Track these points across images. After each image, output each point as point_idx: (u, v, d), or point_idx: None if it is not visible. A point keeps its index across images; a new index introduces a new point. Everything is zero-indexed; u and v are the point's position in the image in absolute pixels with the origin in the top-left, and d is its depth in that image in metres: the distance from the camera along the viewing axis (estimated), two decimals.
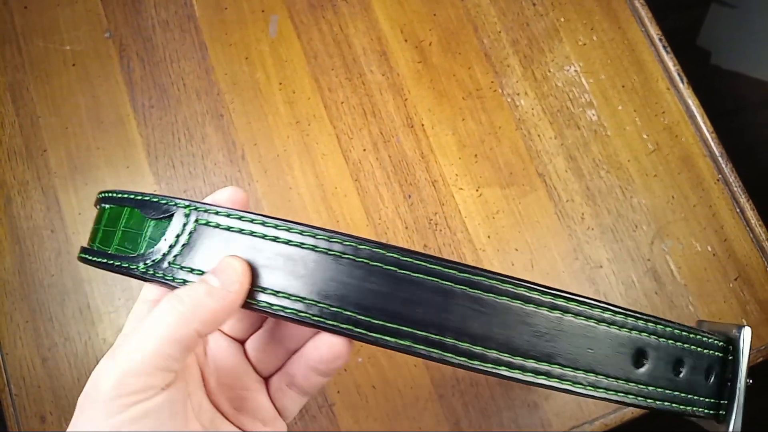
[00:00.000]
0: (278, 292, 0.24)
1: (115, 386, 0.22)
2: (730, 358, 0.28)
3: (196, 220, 0.25)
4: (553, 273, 0.46)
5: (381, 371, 0.45)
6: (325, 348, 0.25)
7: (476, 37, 0.51)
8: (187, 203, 0.26)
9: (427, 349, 0.23)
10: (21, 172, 0.49)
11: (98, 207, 0.29)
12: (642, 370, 0.25)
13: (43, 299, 0.46)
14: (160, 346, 0.23)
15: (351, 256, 0.24)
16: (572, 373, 0.24)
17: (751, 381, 0.28)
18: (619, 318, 0.25)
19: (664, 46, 0.49)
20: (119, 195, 0.28)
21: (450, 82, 0.50)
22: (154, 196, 0.27)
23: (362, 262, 0.24)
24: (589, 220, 0.47)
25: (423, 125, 0.49)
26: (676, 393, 0.26)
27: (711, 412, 0.28)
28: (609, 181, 0.48)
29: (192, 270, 0.25)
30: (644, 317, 0.25)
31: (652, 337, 0.25)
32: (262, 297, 0.24)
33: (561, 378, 0.24)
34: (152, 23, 0.51)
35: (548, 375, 0.24)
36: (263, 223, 0.25)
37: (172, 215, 0.26)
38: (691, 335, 0.27)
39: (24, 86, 0.50)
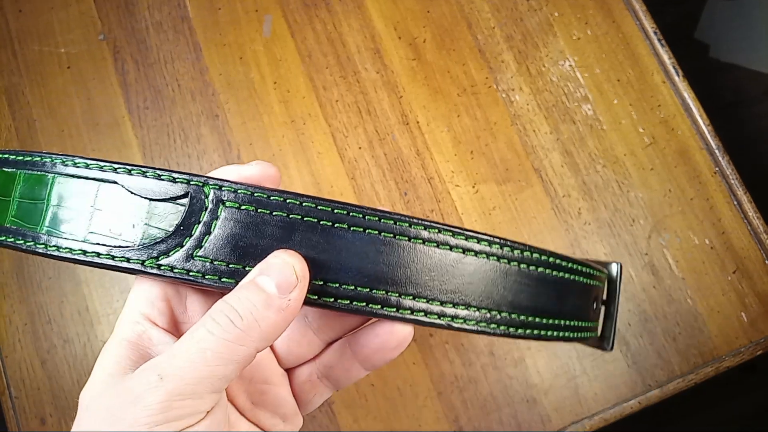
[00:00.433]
0: (339, 282, 0.22)
1: (163, 409, 0.19)
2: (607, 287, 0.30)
3: (222, 202, 0.21)
4: None
5: (380, 369, 0.45)
6: (387, 335, 0.23)
7: (470, 33, 0.50)
8: (210, 182, 0.21)
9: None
10: None
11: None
12: (529, 300, 0.24)
13: (41, 301, 0.46)
14: (215, 367, 0.20)
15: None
16: (440, 308, 0.22)
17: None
18: (505, 251, 0.23)
19: (659, 40, 0.49)
20: (91, 164, 0.22)
21: (444, 79, 0.50)
22: (159, 170, 0.22)
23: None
24: (585, 215, 0.47)
25: (418, 122, 0.49)
26: (567, 321, 0.26)
27: (596, 334, 0.28)
28: (605, 176, 0.48)
29: (228, 264, 0.21)
30: (524, 247, 0.24)
31: (531, 267, 0.24)
32: (325, 290, 0.21)
33: (441, 315, 0.22)
34: (146, 25, 0.51)
35: (427, 312, 0.22)
36: (316, 206, 0.21)
37: (187, 195, 0.21)
38: (578, 266, 0.26)
39: (20, 90, 0.50)
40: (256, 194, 0.21)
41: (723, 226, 0.46)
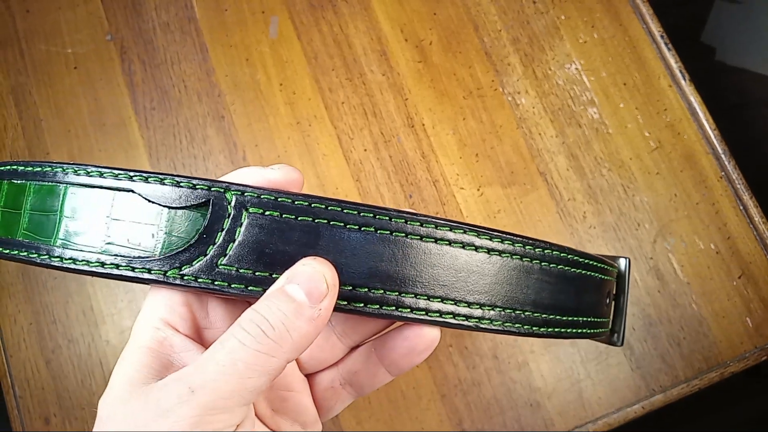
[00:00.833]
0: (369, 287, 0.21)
1: (194, 423, 0.19)
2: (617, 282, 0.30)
3: (246, 209, 0.21)
4: None
5: None
6: (415, 338, 0.23)
7: (477, 36, 0.50)
8: (231, 187, 0.21)
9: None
10: None
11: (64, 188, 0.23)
12: (550, 298, 0.24)
13: (46, 301, 0.46)
14: (246, 380, 0.19)
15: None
16: (469, 310, 0.22)
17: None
18: (527, 249, 0.23)
19: (665, 43, 0.49)
20: (105, 173, 0.22)
21: (450, 82, 0.50)
22: (178, 177, 0.21)
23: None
24: (590, 219, 0.47)
25: (424, 125, 0.49)
26: (584, 318, 0.26)
27: (608, 330, 0.28)
28: (611, 180, 0.47)
29: (254, 272, 0.21)
30: (545, 245, 0.24)
31: (552, 264, 0.24)
32: (354, 295, 0.21)
33: (468, 317, 0.22)
34: (153, 25, 0.51)
35: (455, 314, 0.22)
36: (342, 210, 0.21)
37: (209, 202, 0.21)
38: (593, 262, 0.26)
39: (26, 90, 0.50)
40: (280, 199, 0.21)
41: (728, 230, 0.46)
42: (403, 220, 0.21)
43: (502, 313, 0.23)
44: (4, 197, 0.23)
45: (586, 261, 0.25)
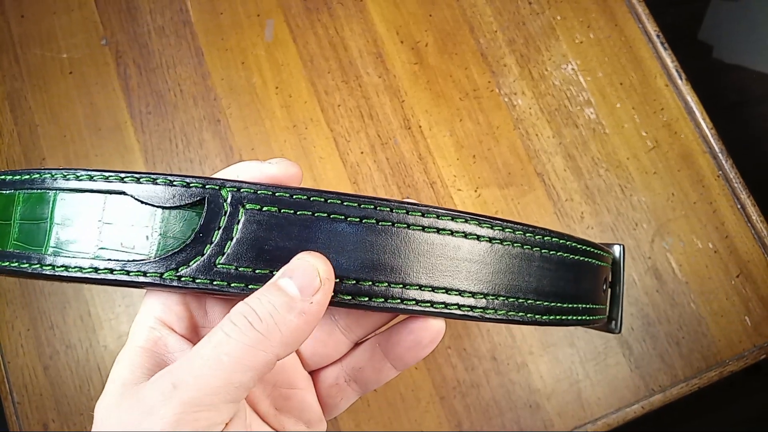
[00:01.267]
0: (375, 280, 0.21)
1: (177, 421, 0.18)
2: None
3: (243, 205, 0.20)
4: None
5: None
6: (420, 331, 0.22)
7: (472, 37, 0.50)
8: (227, 184, 0.20)
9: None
10: None
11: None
12: (550, 286, 0.24)
13: (44, 307, 0.46)
14: (232, 374, 0.18)
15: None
16: (473, 300, 0.22)
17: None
18: (517, 234, 0.23)
19: (662, 42, 0.49)
20: (95, 176, 0.21)
21: (447, 83, 0.49)
22: (171, 176, 0.21)
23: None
24: (588, 219, 0.47)
25: (420, 126, 0.49)
26: (583, 305, 0.25)
27: (606, 317, 0.28)
28: (608, 180, 0.47)
29: (254, 269, 0.20)
30: (544, 232, 0.24)
31: (551, 251, 0.24)
32: (358, 289, 0.21)
33: (473, 307, 0.22)
34: (148, 29, 0.51)
35: (460, 305, 0.22)
36: (341, 202, 0.20)
37: (204, 200, 0.20)
38: (590, 249, 0.26)
39: (22, 95, 0.50)
40: (277, 194, 0.20)
41: (726, 229, 0.46)
42: (404, 211, 0.21)
43: (506, 301, 0.22)
44: None
45: (584, 247, 0.25)
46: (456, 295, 0.22)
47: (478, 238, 0.22)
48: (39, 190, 0.21)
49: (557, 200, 0.47)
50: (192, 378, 0.18)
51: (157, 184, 0.20)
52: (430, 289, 0.21)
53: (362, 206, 0.21)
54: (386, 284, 0.21)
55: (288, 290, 0.19)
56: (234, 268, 0.20)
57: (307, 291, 0.19)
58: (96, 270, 0.20)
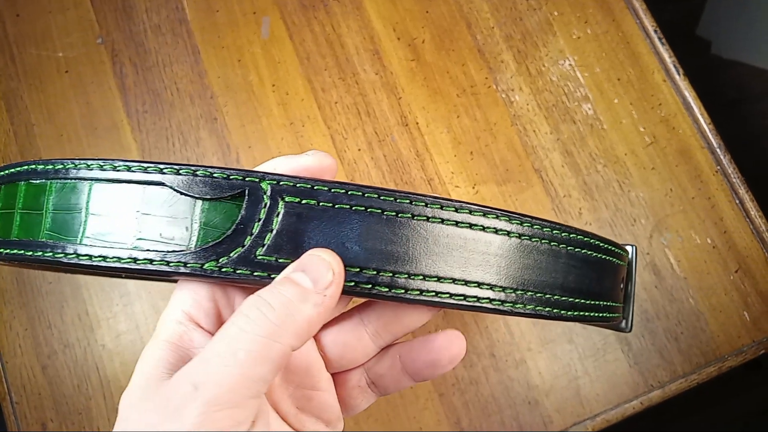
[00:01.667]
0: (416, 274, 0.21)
1: (202, 423, 0.18)
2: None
3: (282, 197, 0.20)
4: None
5: None
6: (441, 351, 0.23)
7: (469, 33, 0.50)
8: (267, 177, 0.20)
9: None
10: None
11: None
12: (575, 282, 0.24)
13: (41, 306, 0.46)
14: (249, 369, 0.18)
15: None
16: (504, 294, 0.22)
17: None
18: (545, 231, 0.23)
19: (659, 38, 0.49)
20: (133, 167, 0.21)
21: (444, 80, 0.49)
22: (211, 168, 0.21)
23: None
24: (586, 215, 0.47)
25: (417, 123, 0.49)
26: (604, 302, 0.26)
27: (621, 315, 0.28)
28: (606, 176, 0.47)
29: (293, 261, 0.20)
30: (570, 229, 0.24)
31: (577, 249, 0.24)
32: (394, 282, 0.21)
33: (503, 301, 0.22)
34: (144, 28, 0.51)
35: (492, 299, 0.22)
36: (378, 196, 0.21)
37: (244, 192, 0.20)
38: (612, 247, 0.26)
39: (18, 94, 0.50)
40: (316, 187, 0.21)
41: (725, 225, 0.46)
42: (438, 206, 0.21)
43: (534, 296, 0.23)
44: (22, 199, 0.22)
45: (607, 246, 0.26)
46: (487, 289, 0.22)
47: (509, 234, 0.22)
48: (73, 180, 0.21)
49: (555, 196, 0.47)
50: (211, 376, 0.18)
51: (197, 175, 0.20)
52: (463, 283, 0.22)
53: (398, 201, 0.21)
54: (422, 278, 0.21)
55: (302, 282, 0.20)
56: (274, 259, 0.20)
57: (321, 284, 0.20)
58: (135, 260, 0.20)
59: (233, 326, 0.19)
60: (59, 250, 0.21)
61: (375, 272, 0.21)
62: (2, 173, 0.23)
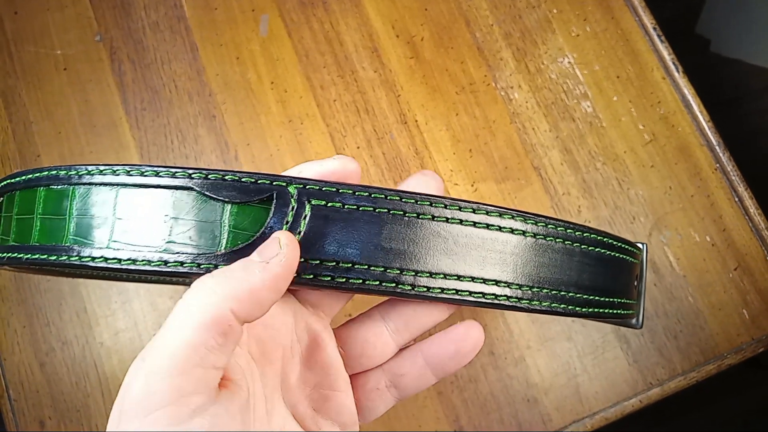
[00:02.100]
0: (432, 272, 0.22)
1: (146, 391, 0.18)
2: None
3: (309, 201, 0.21)
4: None
5: None
6: (462, 341, 0.24)
7: (468, 31, 0.50)
8: (294, 181, 0.21)
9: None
10: None
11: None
12: (590, 280, 0.25)
13: (39, 304, 0.46)
14: (190, 334, 0.19)
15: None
16: (521, 291, 0.23)
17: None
18: (559, 230, 0.24)
19: (658, 35, 0.49)
20: (161, 172, 0.21)
21: (443, 77, 0.49)
22: (240, 173, 0.21)
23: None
24: (586, 213, 0.47)
25: (417, 121, 0.49)
26: (618, 299, 0.26)
27: (634, 312, 0.29)
28: (605, 173, 0.47)
29: (322, 261, 0.21)
30: (584, 228, 0.25)
31: (590, 247, 0.25)
32: (416, 281, 0.22)
33: (521, 298, 0.23)
34: (142, 25, 0.51)
35: (509, 297, 0.23)
36: (400, 198, 0.22)
37: (272, 197, 0.21)
38: (626, 245, 0.27)
39: (16, 92, 0.50)
40: (341, 190, 0.21)
41: (724, 222, 0.46)
42: (456, 207, 0.22)
43: (550, 293, 0.24)
44: (42, 204, 0.22)
45: (620, 244, 0.26)
46: (505, 286, 0.23)
47: (524, 233, 0.23)
48: (98, 186, 0.22)
49: (554, 194, 0.47)
50: (155, 349, 0.19)
51: (225, 180, 0.21)
52: (482, 281, 0.23)
53: (419, 203, 0.22)
54: (442, 276, 0.22)
55: (250, 257, 0.20)
56: (303, 260, 0.21)
57: (265, 255, 0.20)
58: (166, 263, 0.21)
59: (179, 301, 0.20)
60: (86, 254, 0.21)
61: (398, 271, 0.22)
62: (18, 179, 0.23)
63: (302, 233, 0.21)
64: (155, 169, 0.21)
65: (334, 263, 0.21)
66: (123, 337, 0.46)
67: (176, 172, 0.21)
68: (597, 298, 0.25)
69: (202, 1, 0.51)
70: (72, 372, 0.45)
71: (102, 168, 0.22)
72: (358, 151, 0.48)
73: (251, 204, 0.21)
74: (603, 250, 0.25)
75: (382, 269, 0.22)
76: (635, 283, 0.29)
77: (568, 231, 0.24)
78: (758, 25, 0.93)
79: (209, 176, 0.21)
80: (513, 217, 0.23)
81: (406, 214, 0.22)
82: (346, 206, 0.21)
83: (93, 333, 0.46)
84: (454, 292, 0.22)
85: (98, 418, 0.44)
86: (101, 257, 0.21)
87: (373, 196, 0.22)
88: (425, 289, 0.22)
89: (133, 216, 0.21)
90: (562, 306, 0.24)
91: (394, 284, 0.22)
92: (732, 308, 0.45)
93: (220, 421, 0.19)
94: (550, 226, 0.24)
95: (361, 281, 0.22)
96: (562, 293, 0.24)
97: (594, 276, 0.25)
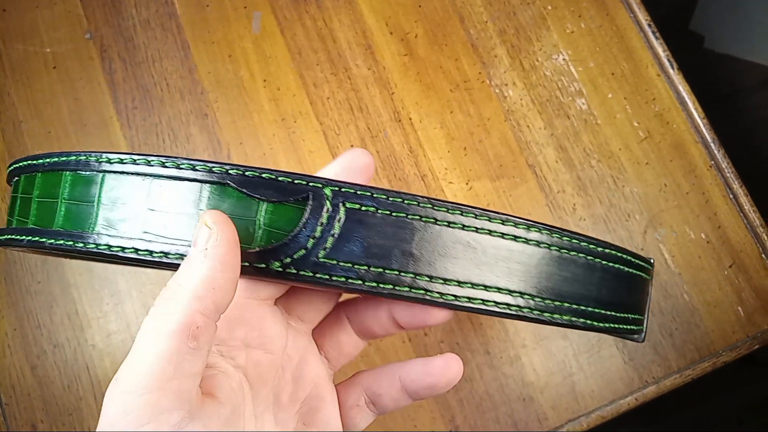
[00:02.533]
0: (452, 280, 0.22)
1: (121, 411, 0.18)
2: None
3: (343, 203, 0.21)
4: None
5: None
6: (438, 376, 0.24)
7: (462, 28, 0.50)
8: (330, 183, 0.21)
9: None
10: (4, 178, 0.48)
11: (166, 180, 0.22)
12: (608, 296, 0.25)
13: (30, 306, 0.46)
14: (158, 346, 0.19)
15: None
16: (544, 304, 0.23)
17: None
18: (582, 245, 0.25)
19: (653, 32, 0.49)
20: (198, 166, 0.21)
21: (437, 75, 0.49)
22: (277, 172, 0.21)
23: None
24: (580, 211, 0.46)
25: (411, 119, 0.48)
26: (632, 315, 0.27)
27: (642, 327, 0.29)
28: (600, 171, 0.47)
29: (353, 264, 0.21)
30: (605, 245, 0.25)
31: (610, 263, 0.25)
32: (447, 290, 0.22)
33: (543, 310, 0.23)
34: (133, 23, 0.50)
35: (527, 308, 0.23)
36: (432, 206, 0.22)
37: (308, 197, 0.21)
38: (641, 262, 0.27)
39: (5, 91, 0.49)
40: (375, 195, 0.22)
41: (719, 220, 0.46)
42: (486, 218, 0.23)
43: (570, 307, 0.24)
44: (68, 189, 0.22)
45: (637, 261, 0.27)
46: (529, 298, 0.23)
47: (549, 247, 0.23)
48: (130, 175, 0.21)
49: (549, 192, 0.47)
50: (127, 367, 0.19)
51: (262, 178, 0.21)
52: (507, 292, 0.23)
53: (450, 211, 0.22)
54: (469, 285, 0.22)
55: (188, 253, 0.20)
56: (335, 262, 0.21)
57: (200, 243, 0.20)
58: None
59: (145, 318, 0.20)
60: (115, 244, 0.21)
61: (428, 279, 0.22)
62: (42, 161, 0.23)
63: (335, 235, 0.21)
64: (191, 162, 0.21)
65: (366, 267, 0.21)
66: (115, 339, 0.45)
67: (213, 167, 0.21)
68: (614, 313, 0.25)
69: None
70: (64, 375, 0.45)
71: (135, 158, 0.21)
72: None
73: (287, 204, 0.21)
74: (621, 267, 0.26)
75: (412, 276, 0.22)
76: (647, 299, 0.29)
77: (591, 246, 0.24)
78: (751, 22, 0.93)
79: (246, 173, 0.21)
80: (539, 231, 0.23)
81: (438, 222, 0.22)
82: (379, 211, 0.22)
83: (85, 335, 0.45)
84: (480, 302, 0.22)
85: (90, 421, 0.44)
86: (132, 248, 0.21)
87: (406, 202, 0.22)
88: (453, 298, 0.22)
89: (166, 208, 0.21)
90: (582, 320, 0.24)
91: (423, 291, 0.22)
92: (727, 305, 0.45)
93: None
94: (574, 240, 0.24)
95: (391, 287, 0.22)
96: (582, 307, 0.24)
97: (612, 291, 0.25)
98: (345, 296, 0.27)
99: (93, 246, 0.21)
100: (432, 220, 0.22)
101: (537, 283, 0.23)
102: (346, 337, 0.27)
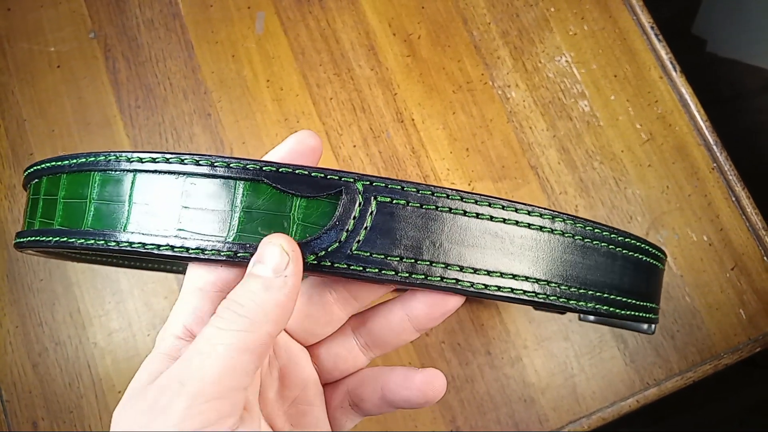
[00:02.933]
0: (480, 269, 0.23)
1: (189, 415, 0.19)
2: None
3: (375, 197, 0.22)
4: None
5: None
6: (419, 391, 0.24)
7: (465, 29, 0.50)
8: (362, 177, 0.22)
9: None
10: (8, 176, 0.48)
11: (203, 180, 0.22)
12: (629, 284, 0.26)
13: (32, 304, 0.46)
14: (230, 360, 0.20)
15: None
16: (569, 292, 0.24)
17: None
18: (604, 234, 0.25)
19: (656, 35, 0.49)
20: (232, 163, 0.21)
21: (440, 76, 0.49)
22: (309, 168, 0.22)
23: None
24: (582, 213, 0.46)
25: (413, 120, 0.48)
26: (650, 303, 0.27)
27: (657, 316, 0.30)
28: (602, 173, 0.47)
29: (386, 256, 0.22)
30: (626, 234, 0.26)
31: (631, 252, 0.26)
32: (474, 279, 0.23)
33: (558, 297, 0.24)
34: (137, 22, 0.50)
35: (554, 296, 0.24)
36: (461, 198, 0.22)
37: (341, 191, 0.22)
38: (658, 252, 0.28)
39: (9, 89, 0.49)
40: (405, 188, 0.22)
41: (721, 222, 0.46)
42: (513, 209, 0.23)
43: (594, 295, 0.25)
44: (97, 189, 0.22)
45: (654, 251, 0.27)
46: (555, 286, 0.24)
47: (573, 236, 0.24)
48: (162, 173, 0.22)
49: (551, 193, 0.47)
50: (194, 372, 0.20)
51: (296, 173, 0.22)
52: (535, 280, 0.23)
53: (478, 203, 0.23)
54: (498, 274, 0.23)
55: (262, 273, 0.21)
56: (369, 254, 0.22)
57: (279, 268, 0.21)
58: (235, 254, 0.21)
59: (210, 327, 0.20)
60: (150, 242, 0.22)
61: (459, 269, 0.22)
62: (67, 162, 0.23)
63: (368, 228, 0.22)
64: (225, 160, 0.21)
65: (398, 259, 0.22)
66: (117, 337, 0.45)
67: (248, 164, 0.21)
68: (634, 301, 0.26)
69: None
70: (65, 373, 0.45)
71: (168, 156, 0.22)
72: (354, 150, 0.48)
73: (320, 198, 0.22)
74: (641, 256, 0.26)
75: (443, 266, 0.22)
76: (661, 289, 0.30)
77: (612, 236, 0.25)
78: (753, 25, 0.93)
79: (280, 169, 0.21)
80: (564, 221, 0.24)
81: (466, 214, 0.22)
82: (410, 204, 0.22)
83: (86, 333, 0.45)
84: (509, 290, 0.23)
85: (91, 418, 0.44)
86: (167, 245, 0.21)
87: (435, 195, 0.22)
88: (483, 287, 0.23)
89: (201, 206, 0.22)
90: (605, 308, 0.25)
91: (454, 281, 0.22)
92: (729, 308, 0.45)
93: None
94: (596, 230, 0.25)
95: (423, 277, 0.22)
96: (605, 295, 0.25)
97: (633, 280, 0.26)
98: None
99: (126, 244, 0.22)
100: (461, 212, 0.22)
101: (563, 271, 0.24)
102: (345, 351, 0.27)
